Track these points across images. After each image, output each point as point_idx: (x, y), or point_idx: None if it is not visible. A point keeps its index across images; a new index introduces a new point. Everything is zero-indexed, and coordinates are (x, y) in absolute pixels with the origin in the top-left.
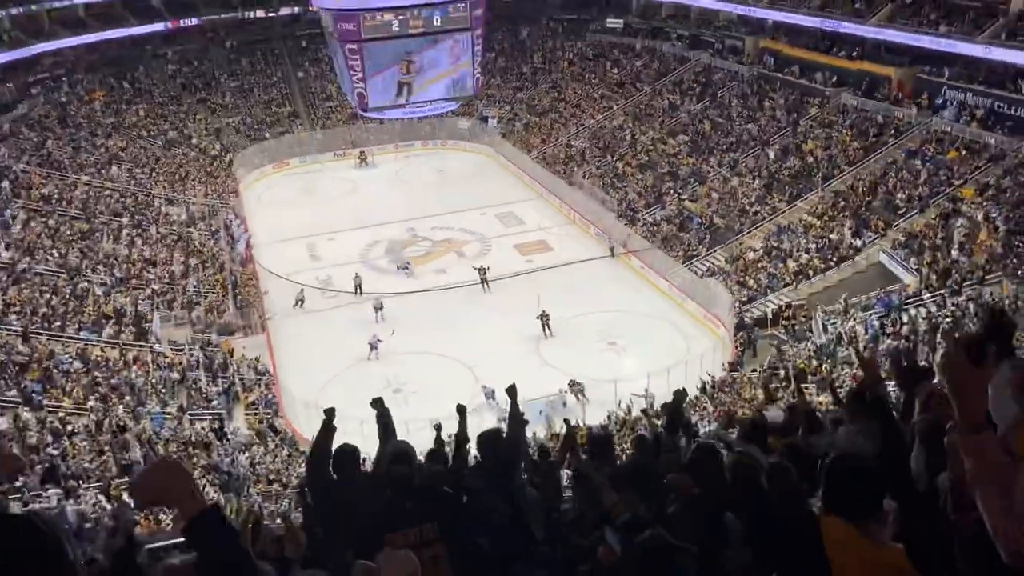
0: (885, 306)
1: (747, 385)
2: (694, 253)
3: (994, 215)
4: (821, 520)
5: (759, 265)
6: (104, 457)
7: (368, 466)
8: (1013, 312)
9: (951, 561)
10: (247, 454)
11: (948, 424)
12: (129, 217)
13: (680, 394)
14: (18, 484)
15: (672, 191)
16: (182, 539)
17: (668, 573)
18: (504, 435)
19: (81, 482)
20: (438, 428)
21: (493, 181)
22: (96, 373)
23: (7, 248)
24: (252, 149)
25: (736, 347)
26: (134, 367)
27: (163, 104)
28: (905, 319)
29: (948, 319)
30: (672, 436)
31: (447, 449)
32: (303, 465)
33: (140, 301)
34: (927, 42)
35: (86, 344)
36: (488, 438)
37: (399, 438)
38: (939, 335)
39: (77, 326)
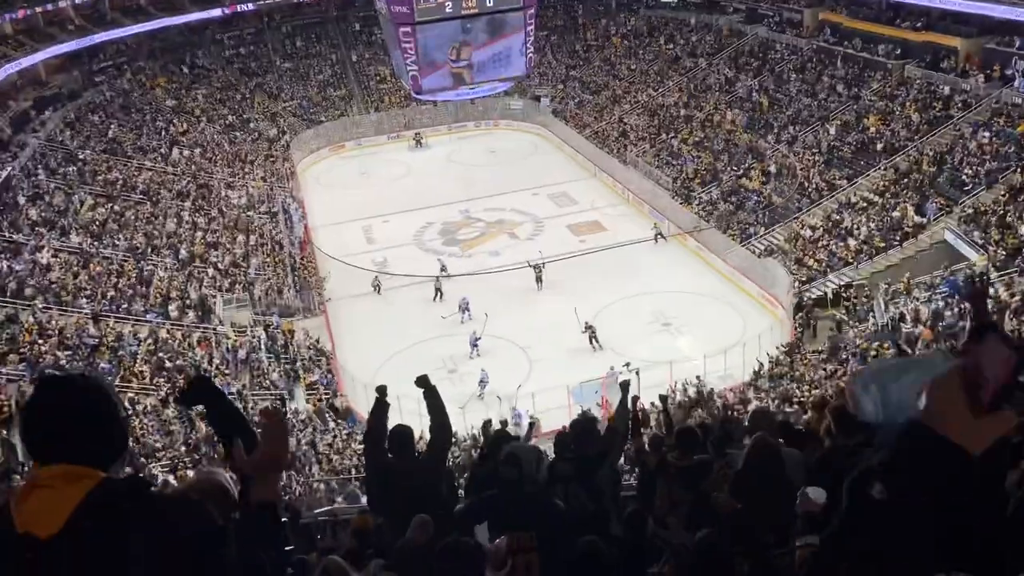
0: (951, 286)
1: (807, 367)
2: (752, 232)
3: None
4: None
5: (819, 244)
6: (171, 437)
7: (423, 445)
8: None
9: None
10: (308, 434)
11: None
12: (191, 201)
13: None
14: None
15: (728, 168)
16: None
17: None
18: (597, 427)
19: (149, 460)
20: (504, 424)
21: (546, 161)
22: (162, 354)
23: (76, 233)
24: (308, 132)
25: (794, 328)
26: (198, 348)
27: (221, 89)
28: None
29: (1018, 299)
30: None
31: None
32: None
33: (203, 283)
34: (997, 11)
35: (152, 325)
36: (584, 425)
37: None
38: (1008, 316)
39: (144, 308)
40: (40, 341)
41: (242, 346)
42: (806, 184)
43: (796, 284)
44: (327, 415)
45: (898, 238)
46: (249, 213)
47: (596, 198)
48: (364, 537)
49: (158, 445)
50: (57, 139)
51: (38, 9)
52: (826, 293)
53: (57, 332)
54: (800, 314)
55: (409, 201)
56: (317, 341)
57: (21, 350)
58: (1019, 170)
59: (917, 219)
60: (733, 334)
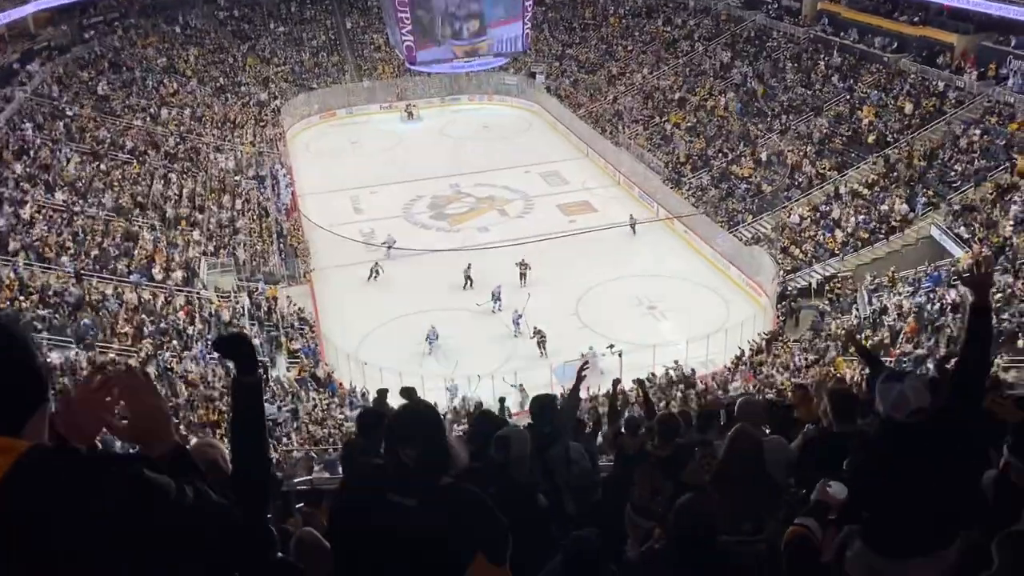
0: (933, 281)
1: (788, 355)
2: (740, 219)
3: None
4: None
5: (806, 234)
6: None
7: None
8: None
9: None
10: (288, 402)
11: None
12: (179, 162)
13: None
14: None
15: (720, 155)
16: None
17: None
18: (557, 403)
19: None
20: (502, 401)
21: (538, 138)
22: (144, 315)
23: (61, 190)
24: (300, 98)
25: (777, 316)
26: (180, 312)
27: (213, 50)
28: (953, 295)
29: (999, 296)
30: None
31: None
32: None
33: (188, 247)
34: (994, 8)
35: (135, 287)
36: (541, 403)
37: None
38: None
39: (127, 269)
40: (21, 298)
41: (225, 310)
42: (796, 173)
43: (781, 273)
44: (308, 384)
45: (884, 231)
46: (237, 178)
47: (587, 179)
48: None
49: None
50: (45, 94)
51: None
52: (810, 283)
53: (39, 289)
54: (783, 303)
55: (399, 173)
56: (301, 310)
57: (0, 307)
58: (1008, 169)
59: (905, 210)
60: (716, 320)
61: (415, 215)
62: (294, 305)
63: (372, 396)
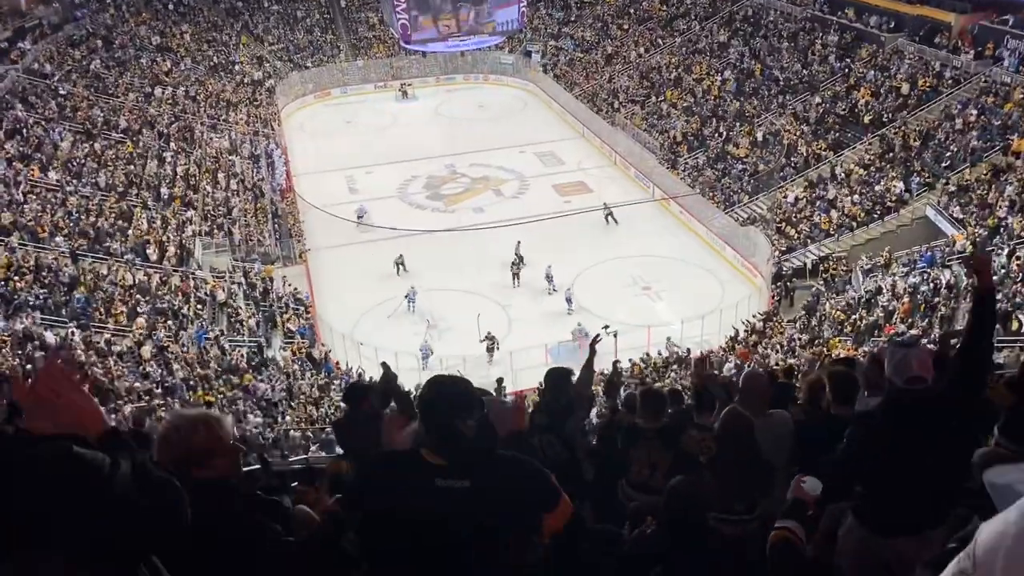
0: (928, 262)
1: (782, 335)
2: (735, 200)
3: None
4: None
5: (801, 214)
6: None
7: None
8: None
9: None
10: (284, 381)
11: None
12: (173, 141)
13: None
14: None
15: (716, 134)
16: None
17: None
18: (573, 377)
19: (121, 402)
20: (500, 381)
21: (534, 118)
22: (139, 296)
23: (54, 170)
24: (294, 77)
25: (772, 297)
26: (176, 292)
27: (206, 29)
28: (948, 276)
29: (994, 278)
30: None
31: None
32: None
33: (182, 226)
34: None
35: (130, 266)
36: (558, 376)
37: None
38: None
39: (121, 249)
40: (15, 278)
41: (220, 290)
42: (792, 154)
43: (776, 254)
44: (304, 364)
45: (879, 211)
46: (231, 157)
47: (583, 159)
48: (338, 482)
49: (138, 386)
50: (37, 72)
51: None
52: (805, 264)
53: (33, 269)
54: (779, 283)
55: (394, 153)
56: (296, 290)
57: None
58: (1003, 150)
59: (901, 190)
60: (711, 300)
61: (410, 195)
62: (289, 285)
63: (368, 377)
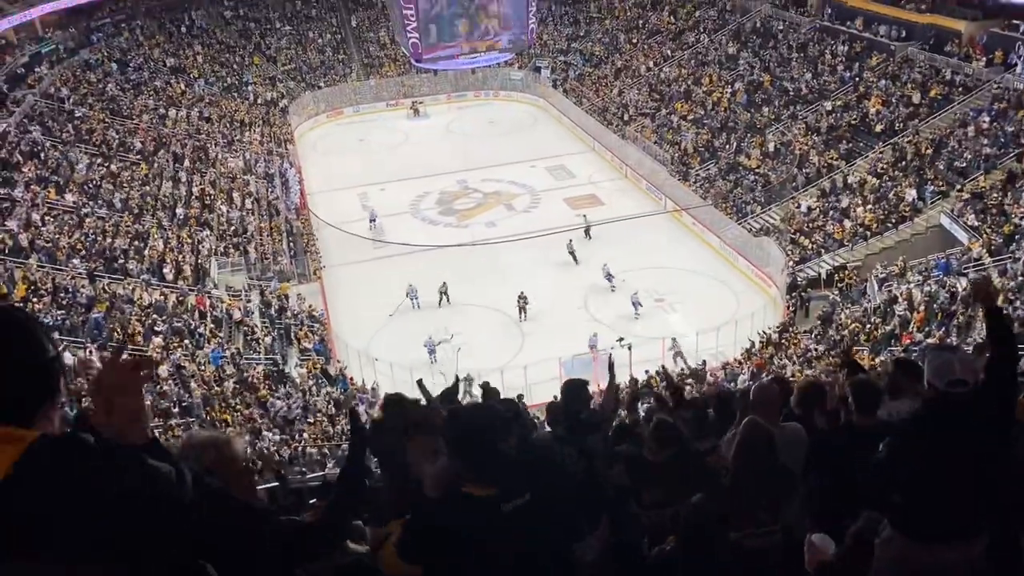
0: (943, 270)
1: (797, 347)
2: (748, 211)
3: None
4: None
5: (814, 224)
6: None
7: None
8: None
9: None
10: (299, 398)
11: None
12: (188, 162)
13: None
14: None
15: (727, 146)
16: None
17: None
18: (587, 388)
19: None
20: (520, 398)
21: (544, 133)
22: (156, 316)
23: (71, 192)
24: (307, 97)
25: (787, 308)
26: (194, 304)
27: (219, 51)
28: (964, 284)
29: (1012, 285)
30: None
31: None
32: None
33: (199, 246)
34: None
35: (146, 286)
36: (575, 387)
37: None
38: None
39: (138, 269)
40: (34, 299)
41: (236, 309)
42: (804, 164)
43: (790, 264)
44: (320, 381)
45: (893, 220)
46: (246, 177)
47: (594, 172)
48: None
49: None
50: (53, 96)
51: None
52: (820, 274)
53: (51, 291)
54: (793, 294)
55: (406, 170)
56: (311, 307)
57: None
58: (1017, 156)
59: (914, 199)
60: (726, 312)
61: (423, 211)
62: (305, 303)
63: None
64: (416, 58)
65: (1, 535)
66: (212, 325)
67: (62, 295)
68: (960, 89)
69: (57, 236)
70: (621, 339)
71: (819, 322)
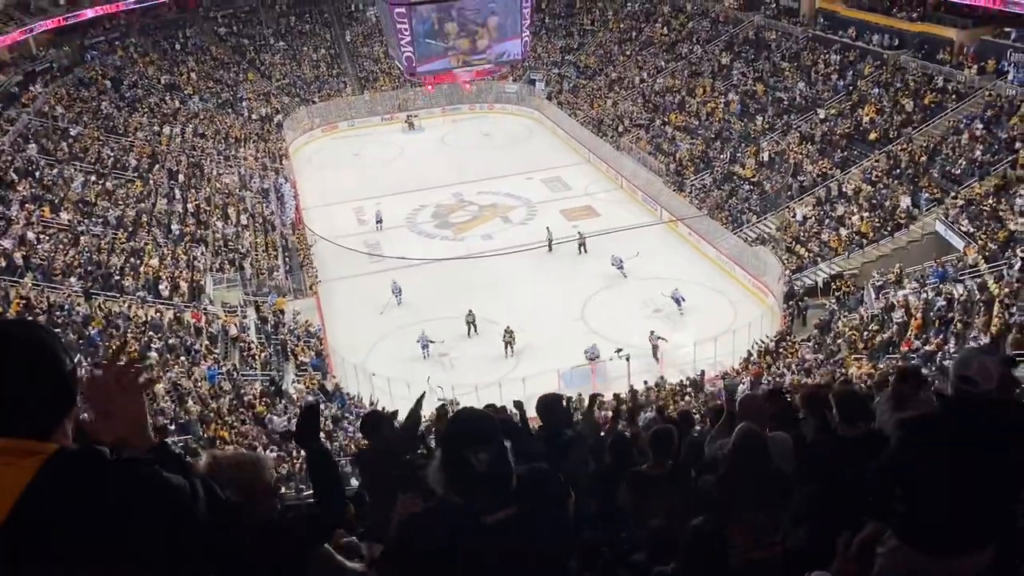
0: (939, 277)
1: (795, 356)
2: (744, 220)
3: None
4: None
5: (810, 233)
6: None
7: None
8: None
9: None
10: (296, 415)
11: None
12: (183, 178)
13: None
14: None
15: (721, 155)
16: None
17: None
18: (562, 402)
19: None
20: (518, 405)
21: (540, 145)
22: (151, 333)
23: (66, 210)
24: (301, 112)
25: (785, 317)
26: (190, 318)
27: (214, 68)
28: (960, 290)
29: (1007, 291)
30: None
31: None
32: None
33: (194, 262)
34: (992, 2)
35: (142, 304)
36: (549, 402)
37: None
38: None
39: (134, 286)
40: (29, 318)
41: (232, 325)
42: (798, 172)
43: (787, 273)
44: (318, 397)
45: (889, 228)
46: (241, 192)
47: (590, 183)
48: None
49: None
50: (48, 114)
51: None
52: (817, 282)
53: (46, 310)
54: (791, 303)
55: (402, 183)
56: (308, 322)
57: None
58: (1010, 163)
59: (909, 206)
60: (723, 322)
61: (419, 225)
62: (301, 318)
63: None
64: (410, 72)
65: (21, 547)
66: (207, 341)
67: (57, 313)
68: (953, 96)
69: (52, 254)
70: (619, 350)
71: (816, 330)
